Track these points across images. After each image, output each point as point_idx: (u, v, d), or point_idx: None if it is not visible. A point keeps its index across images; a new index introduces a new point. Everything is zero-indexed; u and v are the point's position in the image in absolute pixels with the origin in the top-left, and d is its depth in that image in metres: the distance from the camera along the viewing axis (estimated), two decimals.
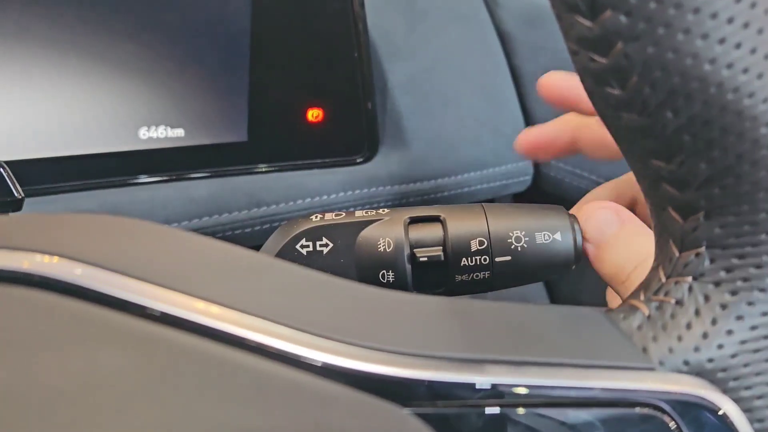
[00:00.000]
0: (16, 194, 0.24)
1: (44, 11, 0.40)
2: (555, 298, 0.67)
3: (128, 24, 0.42)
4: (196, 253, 0.17)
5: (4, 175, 0.24)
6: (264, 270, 0.17)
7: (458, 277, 0.29)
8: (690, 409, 0.17)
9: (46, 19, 0.40)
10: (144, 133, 0.43)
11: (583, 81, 0.18)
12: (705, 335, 0.18)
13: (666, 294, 0.18)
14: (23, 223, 0.17)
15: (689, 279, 0.18)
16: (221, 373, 0.13)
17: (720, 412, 0.17)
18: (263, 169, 0.46)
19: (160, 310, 0.14)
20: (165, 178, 0.43)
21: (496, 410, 0.16)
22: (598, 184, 0.57)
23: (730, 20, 0.15)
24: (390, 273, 0.29)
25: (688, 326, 0.18)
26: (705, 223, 0.18)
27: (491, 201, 0.56)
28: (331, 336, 0.15)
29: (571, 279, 0.64)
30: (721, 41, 0.15)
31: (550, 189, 0.58)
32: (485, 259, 0.29)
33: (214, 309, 0.15)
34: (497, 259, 0.29)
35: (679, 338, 0.18)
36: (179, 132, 0.44)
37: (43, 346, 0.13)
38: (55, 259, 0.15)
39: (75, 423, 0.11)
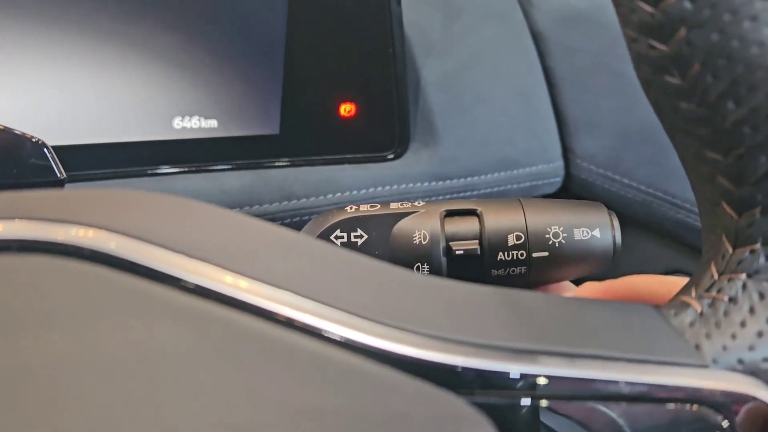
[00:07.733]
0: (58, 174, 0.24)
1: (85, 2, 0.40)
2: None
3: (165, 15, 0.42)
4: (274, 242, 0.17)
5: (48, 155, 0.24)
6: (315, 253, 0.17)
7: (494, 272, 0.29)
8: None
9: (86, 9, 0.40)
10: (178, 122, 0.43)
11: (638, 70, 0.17)
12: (760, 334, 0.17)
13: (719, 291, 0.18)
14: (62, 197, 0.17)
15: (743, 276, 0.18)
16: (279, 354, 0.13)
17: None
18: (295, 163, 0.46)
19: (228, 294, 0.14)
20: (197, 168, 0.44)
21: (546, 402, 0.15)
22: (630, 187, 0.56)
23: None
24: (425, 266, 0.29)
25: (743, 324, 0.17)
26: (761, 219, 0.17)
27: None
28: (386, 321, 0.15)
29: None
30: None
31: (580, 191, 0.58)
32: (522, 254, 0.29)
33: (279, 293, 0.14)
34: (534, 255, 0.29)
35: (733, 336, 0.17)
36: (212, 123, 0.44)
37: (98, 316, 0.13)
38: (102, 232, 0.15)
39: (133, 394, 0.11)
